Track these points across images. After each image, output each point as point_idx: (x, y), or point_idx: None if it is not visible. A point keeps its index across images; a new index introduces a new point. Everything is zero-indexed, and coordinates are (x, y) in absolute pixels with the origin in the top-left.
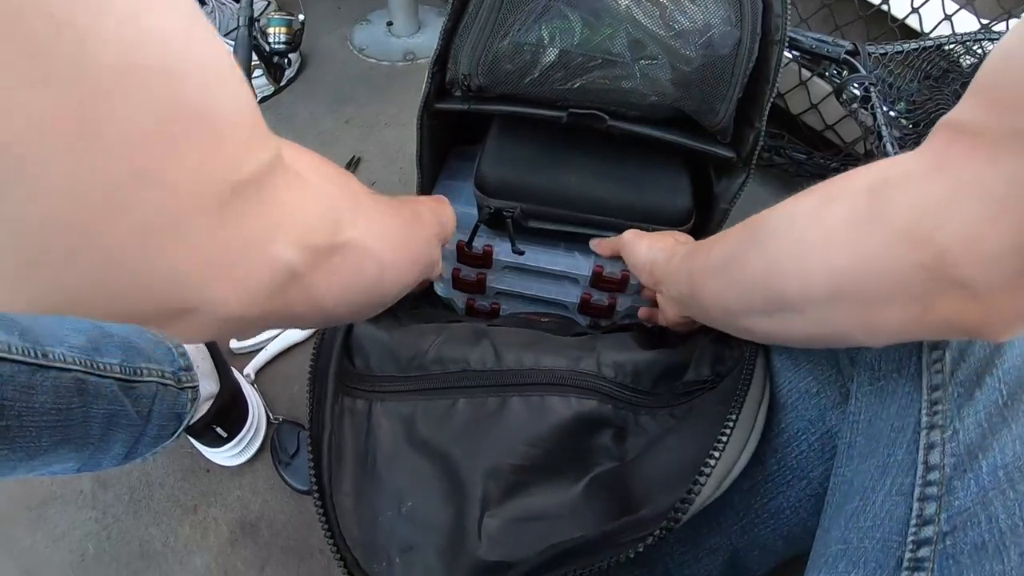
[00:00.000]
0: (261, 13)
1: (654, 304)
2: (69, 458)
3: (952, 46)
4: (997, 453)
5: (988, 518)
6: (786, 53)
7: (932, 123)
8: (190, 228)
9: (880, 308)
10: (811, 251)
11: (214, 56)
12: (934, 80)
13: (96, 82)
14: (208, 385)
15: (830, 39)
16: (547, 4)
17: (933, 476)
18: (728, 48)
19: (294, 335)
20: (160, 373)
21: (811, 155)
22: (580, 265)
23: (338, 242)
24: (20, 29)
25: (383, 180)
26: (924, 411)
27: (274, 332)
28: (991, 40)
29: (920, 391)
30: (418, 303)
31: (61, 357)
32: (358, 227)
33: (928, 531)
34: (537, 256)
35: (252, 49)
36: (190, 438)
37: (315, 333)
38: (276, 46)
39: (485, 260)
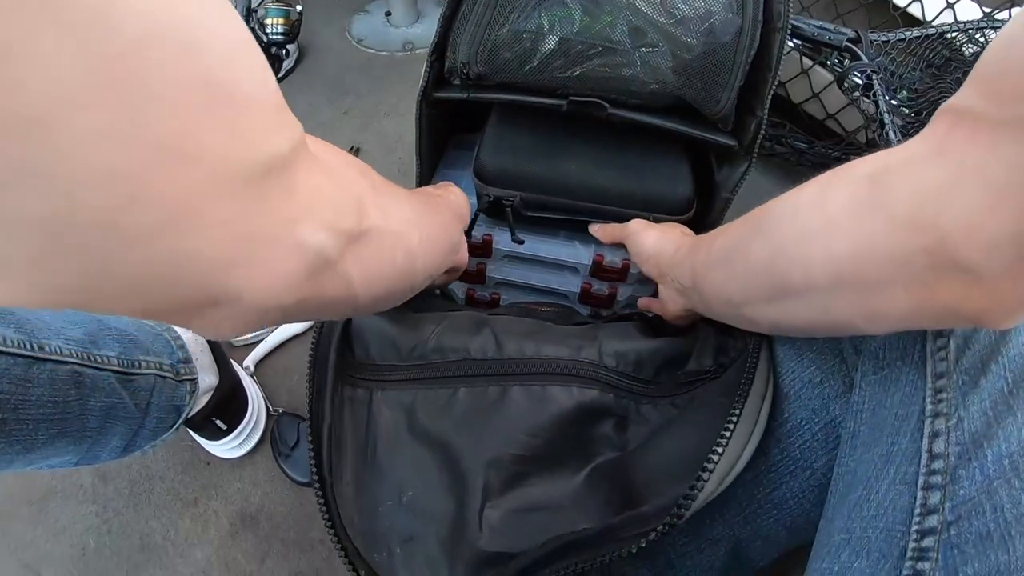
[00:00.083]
0: (259, 4)
1: (655, 295)
2: (67, 451)
3: (954, 34)
4: (1002, 442)
5: (993, 507)
6: (788, 41)
7: (934, 111)
8: (217, 211)
9: (882, 294)
10: (813, 238)
11: (237, 33)
12: (936, 68)
13: (120, 51)
14: (207, 377)
15: (832, 27)
16: None
17: (937, 465)
18: (729, 36)
19: (293, 327)
20: (158, 365)
21: (812, 144)
22: (580, 254)
23: (365, 227)
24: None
25: (382, 170)
26: (928, 399)
27: None
28: (993, 28)
29: (924, 379)
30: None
31: (57, 350)
32: (382, 212)
33: (932, 520)
34: (537, 245)
35: None
36: (190, 431)
37: (314, 323)
38: (274, 37)
39: (485, 250)
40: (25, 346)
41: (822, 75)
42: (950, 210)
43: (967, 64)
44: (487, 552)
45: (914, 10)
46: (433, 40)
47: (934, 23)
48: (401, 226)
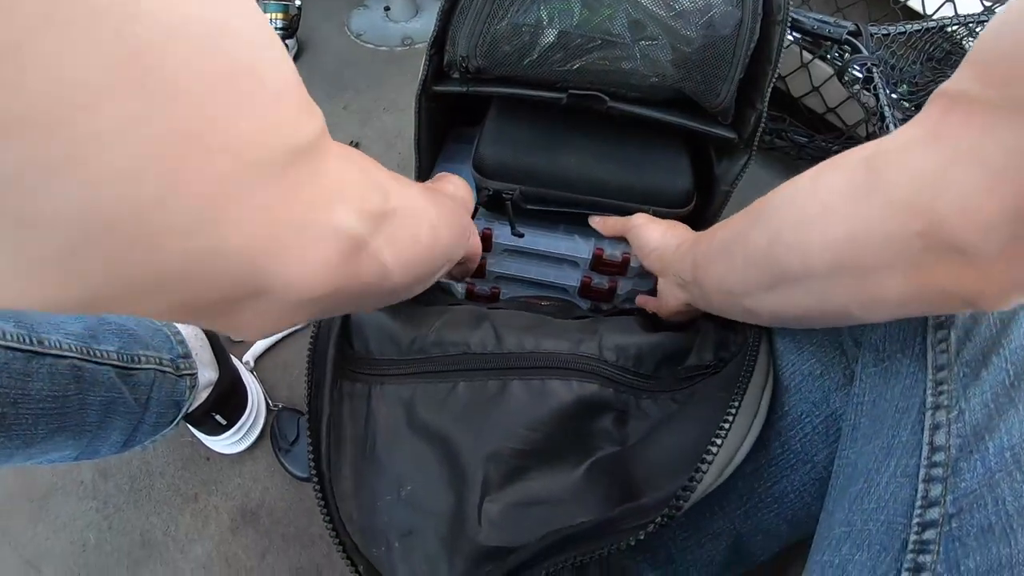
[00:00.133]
0: None
1: (653, 291)
2: (67, 446)
3: (955, 28)
4: (1004, 434)
5: (995, 500)
6: (787, 35)
7: None
8: (251, 200)
9: (879, 279)
10: (811, 224)
11: (259, 21)
12: (937, 62)
13: (145, 44)
14: (207, 372)
15: (832, 20)
16: None
17: (939, 457)
18: (729, 28)
19: None
20: (158, 360)
21: (812, 138)
22: (580, 248)
23: (391, 206)
24: None
25: (382, 164)
26: (929, 391)
27: None
28: None
29: (925, 371)
30: None
31: (57, 344)
32: (403, 193)
33: (934, 513)
34: (536, 239)
35: None
36: (189, 426)
37: None
38: None
39: (485, 244)
40: (25, 340)
41: (822, 69)
42: (946, 193)
43: None
44: (486, 546)
45: (915, 3)
46: (432, 34)
47: (934, 16)
48: (421, 204)
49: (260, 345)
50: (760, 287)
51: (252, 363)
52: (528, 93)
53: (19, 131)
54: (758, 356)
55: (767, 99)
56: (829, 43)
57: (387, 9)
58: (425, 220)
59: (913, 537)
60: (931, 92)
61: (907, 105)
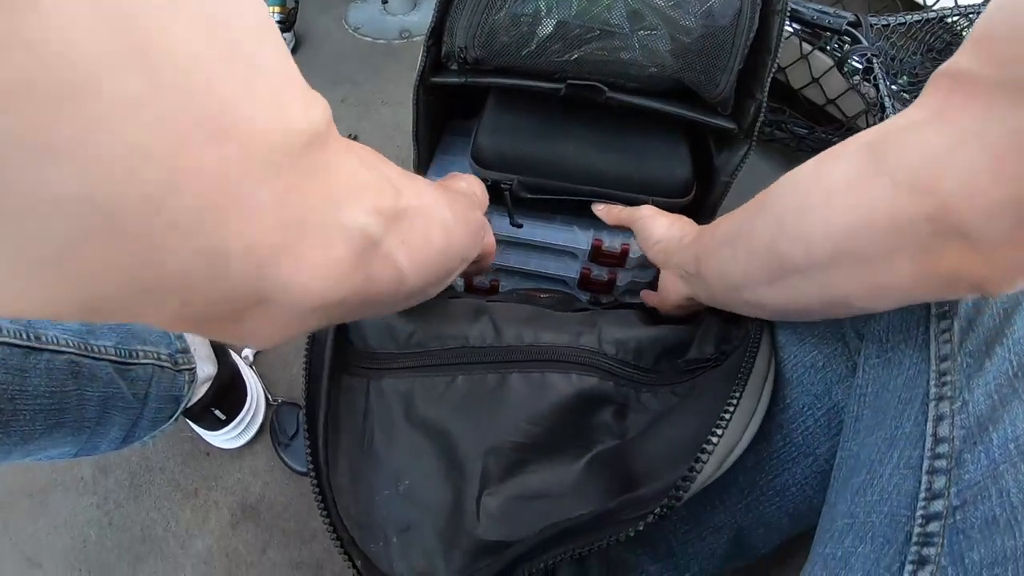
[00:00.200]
0: None
1: (653, 284)
2: (65, 442)
3: (955, 18)
4: (1008, 425)
5: (999, 492)
6: (788, 26)
7: None
8: (261, 192)
9: (884, 265)
10: (813, 212)
11: (260, 8)
12: (937, 53)
13: (144, 14)
14: (205, 367)
15: (831, 10)
16: None
17: (942, 449)
18: (728, 18)
19: None
20: (156, 355)
21: (813, 130)
22: (579, 239)
23: (402, 205)
24: None
25: None
26: (932, 382)
27: None
28: None
29: (928, 362)
30: None
31: (54, 339)
32: (413, 191)
33: (938, 505)
34: (534, 230)
35: None
36: (189, 421)
37: None
38: None
39: None
40: (21, 335)
41: (822, 60)
42: (950, 175)
43: None
44: (484, 540)
45: None
46: (430, 25)
47: (935, 7)
48: (433, 203)
49: None
50: (763, 279)
51: (251, 357)
52: (526, 84)
53: (14, 104)
54: (759, 348)
55: (767, 89)
56: (829, 34)
57: (385, 2)
58: (438, 220)
59: (917, 529)
60: None
61: (907, 96)
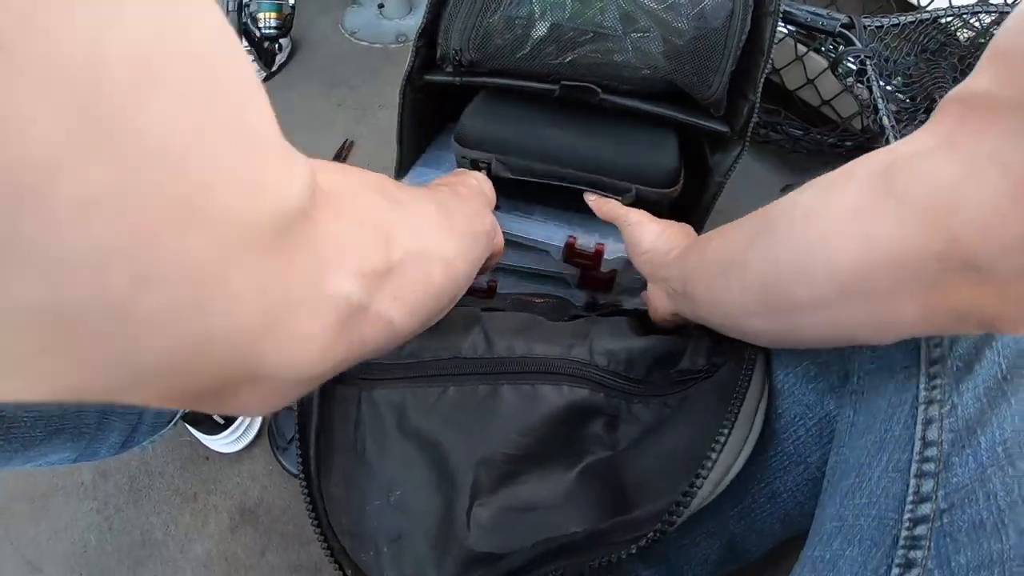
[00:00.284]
0: None
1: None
2: (65, 447)
3: (949, 19)
4: (996, 429)
5: (986, 495)
6: (782, 28)
7: (930, 97)
8: (242, 278)
9: (890, 302)
10: (816, 248)
11: (244, 66)
12: (931, 54)
13: (118, 87)
14: None
15: (825, 12)
16: None
17: (931, 452)
18: (720, 20)
19: None
20: None
21: (808, 131)
22: (553, 235)
23: (394, 260)
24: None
25: (377, 163)
26: (923, 386)
27: None
28: (988, 13)
29: (919, 365)
30: None
31: None
32: (411, 233)
33: (925, 508)
34: (510, 223)
35: (242, 35)
36: (188, 426)
37: None
38: (267, 31)
39: None
40: None
41: (817, 61)
42: (964, 208)
43: (962, 49)
44: (476, 551)
45: None
46: (420, 25)
47: (928, 8)
48: (435, 241)
49: None
50: (759, 312)
51: None
52: (521, 84)
53: None
54: (755, 367)
55: (760, 90)
56: (823, 36)
57: (381, 6)
58: (438, 257)
59: (904, 532)
60: (925, 84)
61: (902, 97)
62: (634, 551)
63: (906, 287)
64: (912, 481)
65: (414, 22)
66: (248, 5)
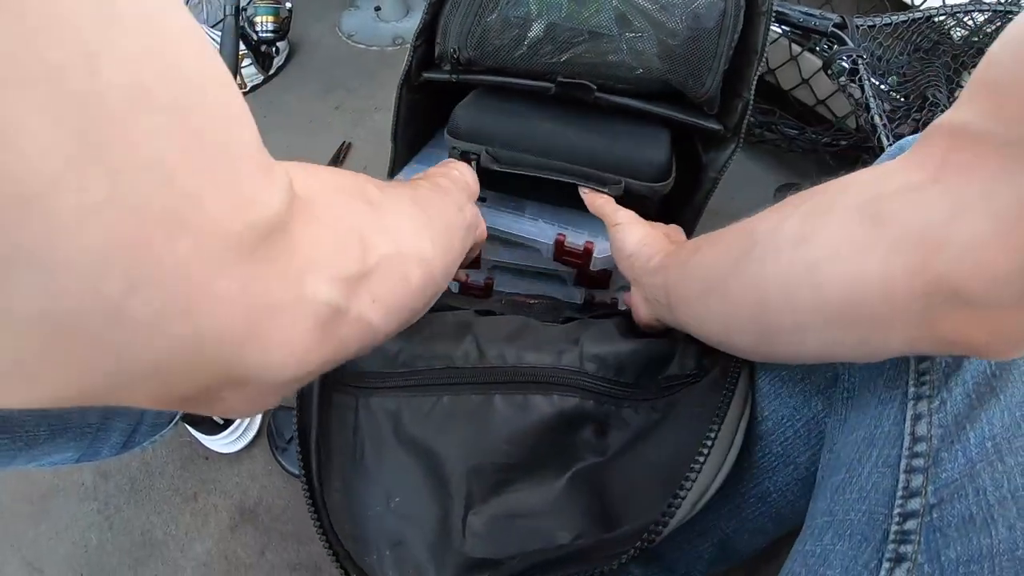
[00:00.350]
0: (248, 2)
1: None
2: (68, 447)
3: (942, 18)
4: (985, 424)
5: (976, 491)
6: (776, 28)
7: (923, 96)
8: (227, 284)
9: (878, 332)
10: (802, 280)
11: (224, 81)
12: (924, 52)
13: (107, 116)
14: None
15: (818, 12)
16: None
17: (920, 448)
18: (713, 20)
19: None
20: None
21: (803, 130)
22: (544, 232)
23: (371, 263)
24: (24, 42)
25: (375, 166)
26: (912, 382)
27: None
28: (981, 12)
29: (908, 361)
30: None
31: None
32: (389, 235)
33: (915, 504)
34: (499, 219)
35: (239, 39)
36: (187, 426)
37: None
38: (264, 35)
39: None
40: None
41: (811, 61)
42: (952, 245)
43: (955, 48)
44: (472, 558)
45: None
46: (419, 24)
47: (922, 7)
48: (412, 240)
49: None
50: (742, 333)
51: None
52: (517, 82)
53: None
54: (738, 381)
55: (753, 88)
56: (817, 35)
57: (378, 9)
58: (416, 257)
59: (894, 527)
60: (918, 83)
61: (896, 96)
62: (615, 567)
63: (893, 319)
64: (902, 476)
65: (411, 24)
66: (245, 9)
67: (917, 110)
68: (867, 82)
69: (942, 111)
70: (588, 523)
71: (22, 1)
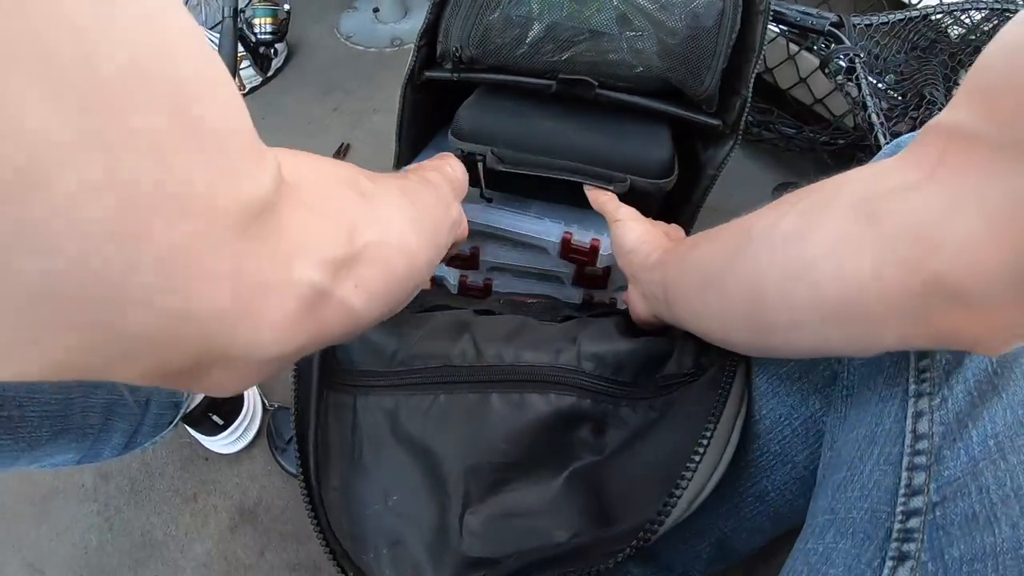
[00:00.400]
0: (247, 4)
1: None
2: (70, 448)
3: (939, 16)
4: (987, 422)
5: (979, 489)
6: (774, 27)
7: (920, 94)
8: (217, 261)
9: (873, 328)
10: (798, 277)
11: (216, 68)
12: (921, 51)
13: (105, 97)
14: None
15: (815, 11)
16: None
17: (922, 445)
18: (712, 19)
19: None
20: None
21: (800, 129)
22: (550, 231)
23: (357, 248)
24: (26, 30)
25: (373, 166)
26: (912, 379)
27: None
28: (978, 10)
29: (908, 358)
30: None
31: None
32: (377, 224)
33: (917, 502)
34: (503, 218)
35: (238, 40)
36: (187, 427)
37: None
38: (262, 36)
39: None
40: None
41: (809, 60)
42: (947, 244)
43: (952, 46)
44: (469, 556)
45: None
46: (423, 24)
47: (919, 5)
48: (399, 231)
49: None
50: (739, 329)
51: None
52: (518, 80)
53: None
54: (734, 381)
55: (751, 86)
56: (814, 35)
57: (376, 11)
58: (401, 248)
59: (897, 526)
60: (916, 81)
61: (893, 95)
62: (611, 565)
63: (888, 316)
64: (904, 474)
65: (409, 26)
66: (243, 10)
67: (914, 108)
68: (864, 80)
69: (939, 109)
70: (585, 522)
71: (22, 1)
